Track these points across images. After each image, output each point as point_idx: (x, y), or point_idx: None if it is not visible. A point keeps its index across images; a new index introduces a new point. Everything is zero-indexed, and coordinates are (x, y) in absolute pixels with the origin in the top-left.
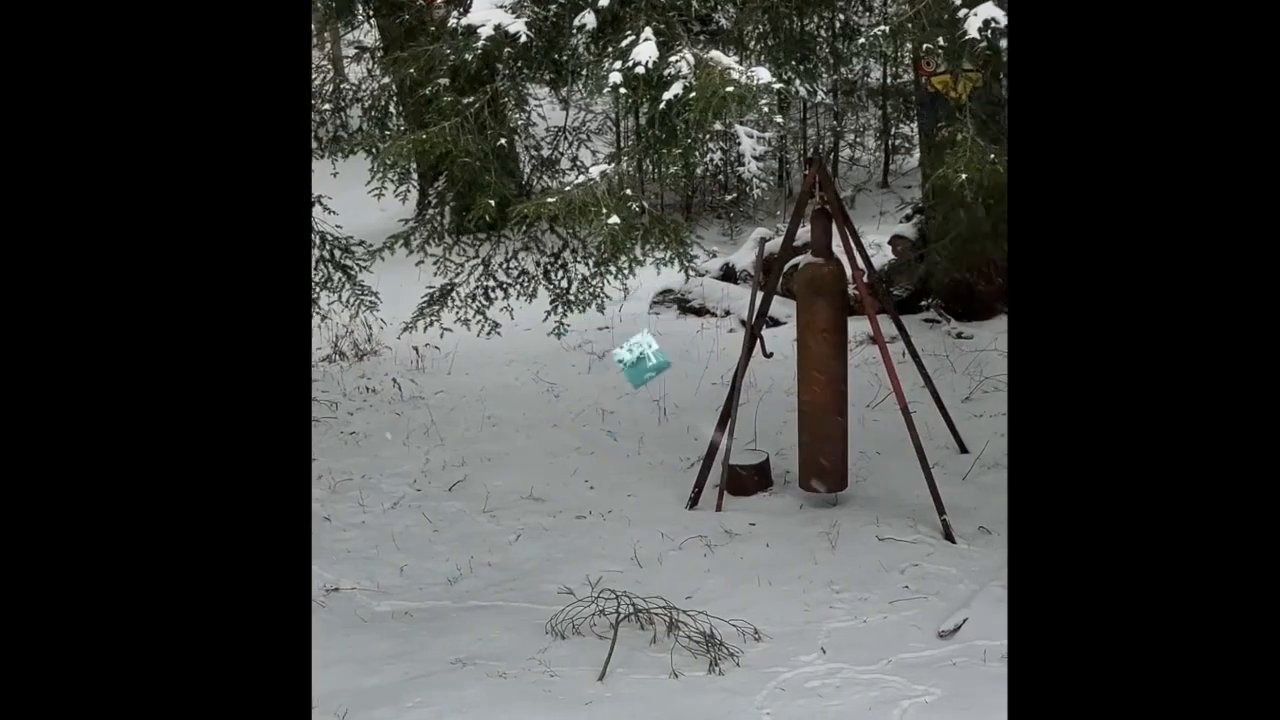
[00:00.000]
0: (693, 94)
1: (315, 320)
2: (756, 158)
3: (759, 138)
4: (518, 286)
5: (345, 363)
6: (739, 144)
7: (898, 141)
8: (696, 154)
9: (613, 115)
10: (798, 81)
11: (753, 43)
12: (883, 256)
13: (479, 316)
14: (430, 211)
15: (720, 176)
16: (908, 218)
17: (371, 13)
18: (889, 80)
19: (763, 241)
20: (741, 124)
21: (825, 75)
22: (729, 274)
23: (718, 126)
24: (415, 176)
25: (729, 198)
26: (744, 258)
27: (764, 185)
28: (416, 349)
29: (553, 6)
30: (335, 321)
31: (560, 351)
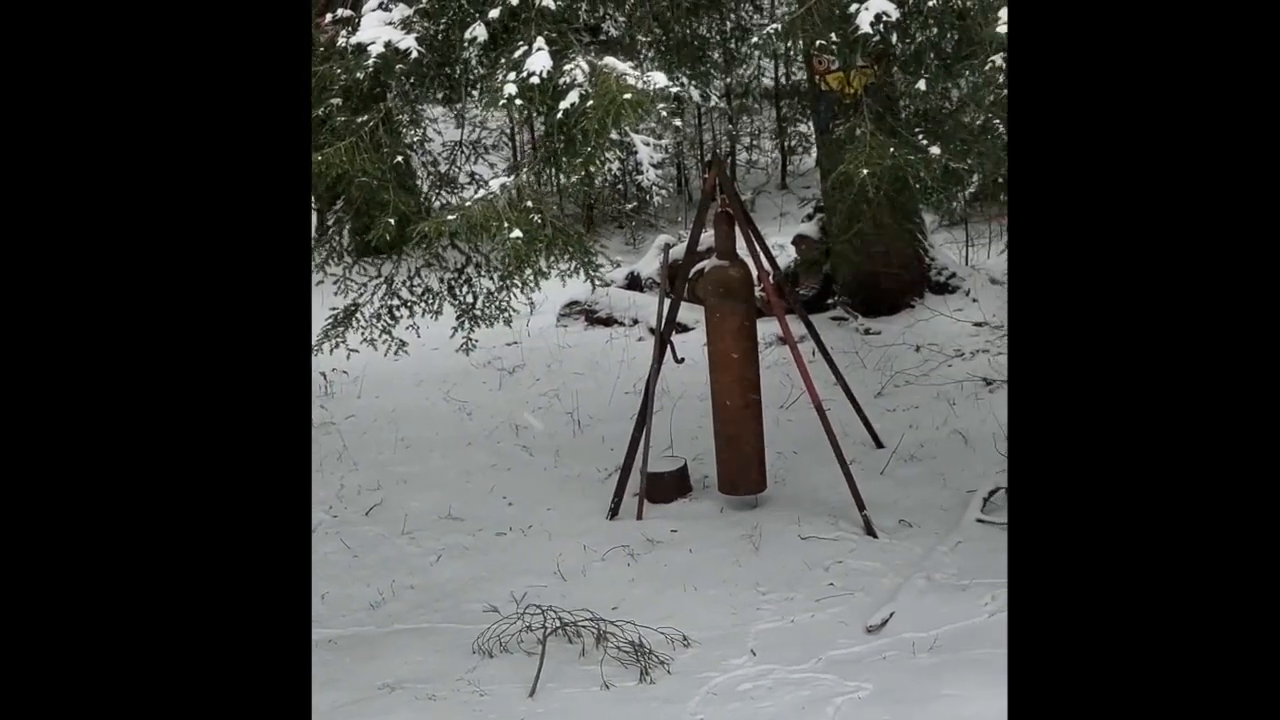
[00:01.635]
0: (590, 102)
1: None
2: (655, 165)
3: (655, 144)
4: (422, 304)
5: None
6: (635, 152)
7: (794, 141)
8: (597, 162)
9: (508, 129)
10: (691, 85)
11: (644, 49)
12: (787, 256)
13: (385, 336)
14: (329, 231)
15: (620, 186)
16: (809, 217)
17: None
18: (782, 80)
19: (667, 248)
20: (637, 132)
21: (718, 79)
22: (634, 283)
23: (614, 135)
24: (313, 197)
25: (629, 206)
26: (648, 266)
27: (664, 192)
28: (324, 374)
29: (443, 21)
30: None
31: (470, 369)
